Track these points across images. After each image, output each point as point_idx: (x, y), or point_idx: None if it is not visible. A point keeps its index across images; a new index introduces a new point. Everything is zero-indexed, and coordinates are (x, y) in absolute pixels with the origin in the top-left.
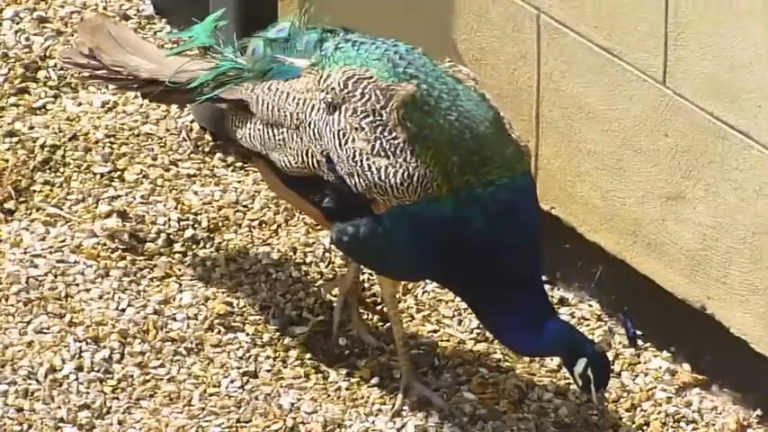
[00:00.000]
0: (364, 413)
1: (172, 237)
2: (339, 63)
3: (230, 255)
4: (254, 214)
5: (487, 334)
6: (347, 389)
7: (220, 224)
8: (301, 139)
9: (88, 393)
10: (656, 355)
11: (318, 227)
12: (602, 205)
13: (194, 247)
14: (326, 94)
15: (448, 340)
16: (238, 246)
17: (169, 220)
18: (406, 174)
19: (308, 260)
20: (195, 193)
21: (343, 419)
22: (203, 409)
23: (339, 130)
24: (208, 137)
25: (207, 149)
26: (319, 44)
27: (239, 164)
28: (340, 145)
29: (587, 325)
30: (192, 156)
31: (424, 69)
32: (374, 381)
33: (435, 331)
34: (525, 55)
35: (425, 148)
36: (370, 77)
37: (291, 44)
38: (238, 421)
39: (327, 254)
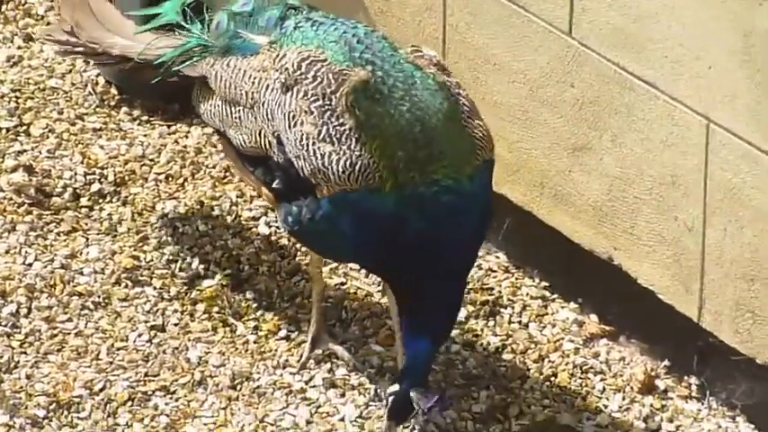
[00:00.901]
0: (272, 366)
1: (78, 191)
2: (296, 43)
3: (137, 209)
4: (160, 168)
5: None
6: (255, 342)
7: (127, 178)
8: (255, 118)
9: None
10: (563, 307)
11: (225, 180)
12: (509, 157)
13: (101, 201)
14: (280, 74)
15: (355, 293)
16: (145, 200)
17: (75, 174)
18: (348, 162)
19: (214, 214)
20: (101, 147)
21: (251, 372)
22: (111, 363)
23: (289, 112)
24: (114, 91)
25: (113, 103)
26: (280, 21)
27: (145, 117)
28: (289, 127)
29: (495, 276)
30: (97, 110)
31: (382, 55)
32: (282, 334)
33: (343, 284)
34: (431, 6)
35: (371, 138)
36: (325, 60)
37: (254, 19)
38: (146, 375)
39: (234, 207)
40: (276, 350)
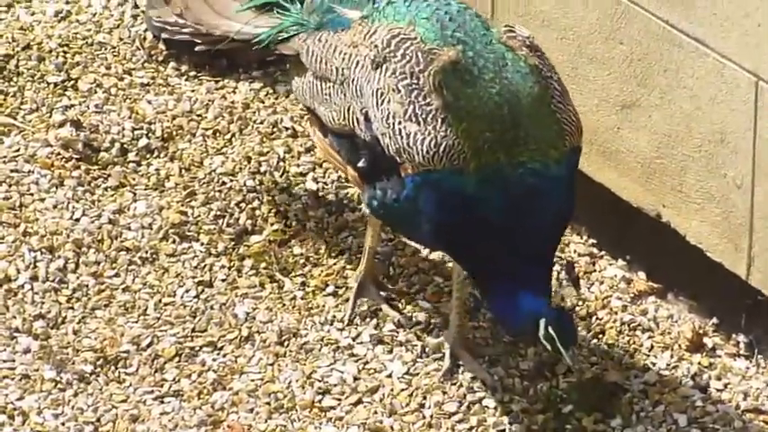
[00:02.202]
0: (319, 322)
1: (126, 146)
2: (388, 18)
3: (184, 164)
4: (207, 123)
5: None
6: (302, 298)
7: (174, 133)
8: (344, 94)
9: (43, 303)
10: (611, 264)
11: (273, 135)
12: None
13: (148, 156)
14: (370, 50)
15: (403, 249)
16: (192, 155)
17: (123, 129)
18: (433, 142)
19: (262, 169)
20: (149, 102)
21: (299, 329)
22: (158, 318)
23: (378, 90)
24: (161, 46)
25: (160, 58)
26: None
27: (193, 73)
28: (377, 104)
29: None
30: (145, 65)
31: (474, 34)
32: (329, 290)
33: (391, 240)
34: None
35: (458, 120)
36: (415, 38)
37: None
38: (194, 330)
39: (282, 163)
40: (323, 306)
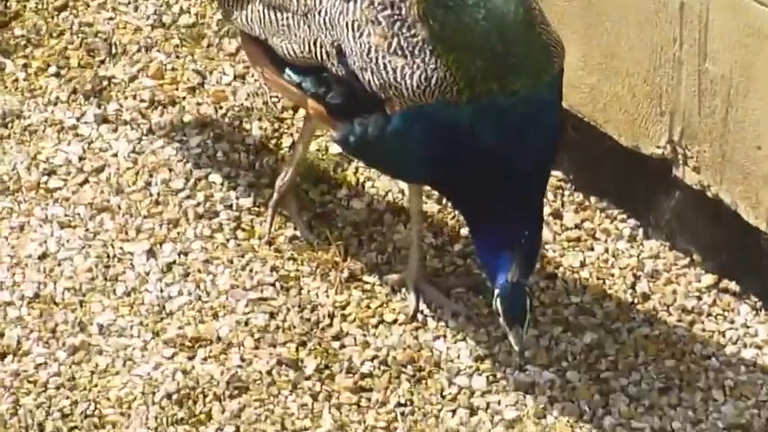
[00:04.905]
0: (43, 103)
1: None
2: None
3: None
4: None
5: (164, 19)
6: (25, 80)
7: None
8: (309, 27)
9: None
10: None
11: None
12: None
13: None
14: None
15: (125, 27)
16: None
17: None
18: (423, 76)
19: None
20: None
21: (22, 110)
22: None
23: (353, 21)
24: None
25: None
26: None
27: None
28: (354, 38)
29: None
30: None
31: None
32: (52, 71)
33: (111, 19)
34: None
35: (447, 50)
36: None
37: None
38: None
39: None
40: (46, 87)
